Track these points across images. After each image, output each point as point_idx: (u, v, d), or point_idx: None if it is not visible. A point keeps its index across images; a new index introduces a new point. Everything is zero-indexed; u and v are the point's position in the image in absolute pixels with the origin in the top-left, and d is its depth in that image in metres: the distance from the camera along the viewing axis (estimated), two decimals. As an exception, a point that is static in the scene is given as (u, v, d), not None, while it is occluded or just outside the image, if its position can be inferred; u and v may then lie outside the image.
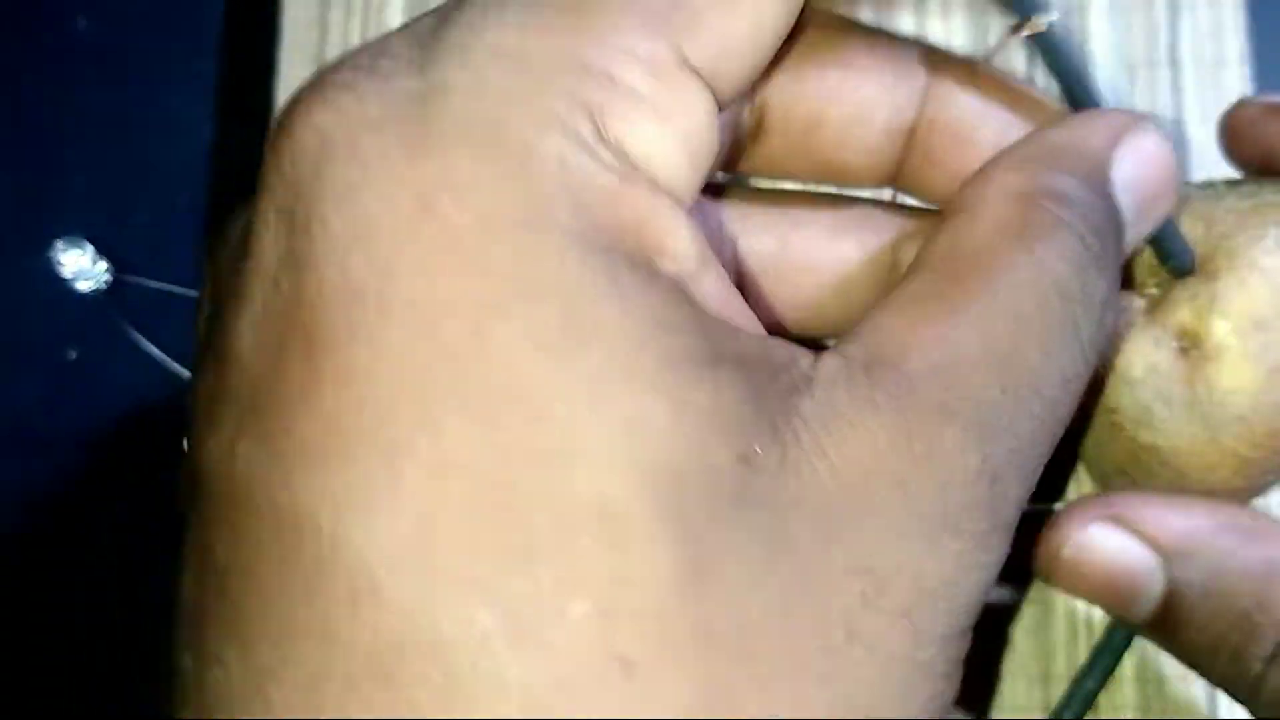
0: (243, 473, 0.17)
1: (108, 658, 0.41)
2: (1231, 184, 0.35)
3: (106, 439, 0.42)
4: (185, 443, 0.20)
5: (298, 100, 0.19)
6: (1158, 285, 0.34)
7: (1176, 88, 0.42)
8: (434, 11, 0.20)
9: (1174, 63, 0.42)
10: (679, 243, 0.19)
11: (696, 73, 0.20)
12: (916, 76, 0.27)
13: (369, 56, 0.19)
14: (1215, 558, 0.28)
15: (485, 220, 0.17)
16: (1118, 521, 0.29)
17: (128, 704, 0.41)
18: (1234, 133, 0.27)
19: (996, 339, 0.21)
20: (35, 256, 0.35)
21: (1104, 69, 0.38)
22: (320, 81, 0.19)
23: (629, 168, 0.19)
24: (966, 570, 0.19)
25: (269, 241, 0.18)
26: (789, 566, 0.17)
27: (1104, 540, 0.28)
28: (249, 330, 0.18)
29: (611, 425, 0.16)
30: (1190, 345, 0.33)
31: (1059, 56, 0.29)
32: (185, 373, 0.37)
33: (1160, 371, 0.33)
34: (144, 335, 0.36)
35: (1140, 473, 0.34)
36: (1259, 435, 0.32)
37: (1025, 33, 0.27)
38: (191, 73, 0.45)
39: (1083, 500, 0.28)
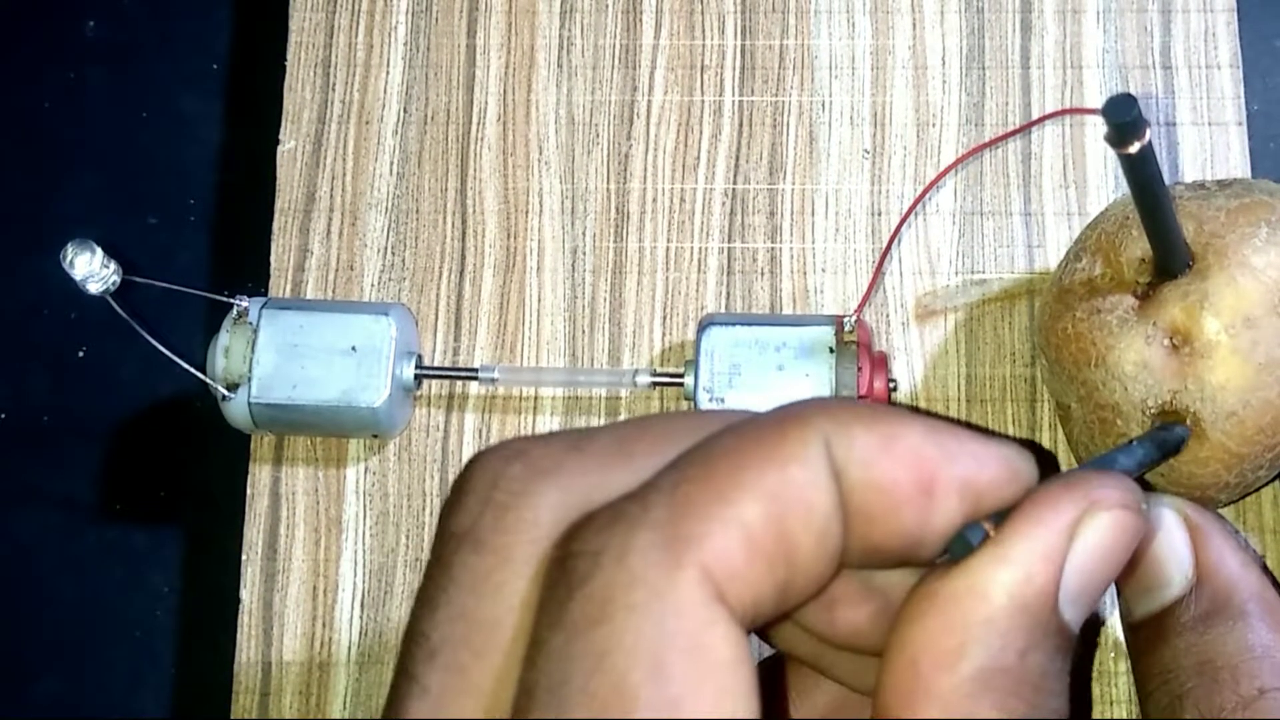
0: None
1: (113, 644, 0.42)
2: (1221, 184, 0.36)
3: (115, 435, 0.43)
4: None
5: None
6: (1148, 283, 0.34)
7: (1169, 90, 0.42)
8: None
9: (1167, 66, 0.42)
10: None
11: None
12: None
13: None
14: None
15: None
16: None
17: (141, 691, 0.41)
18: None
19: None
20: (46, 258, 0.36)
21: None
22: None
23: None
24: None
25: None
26: None
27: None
28: None
29: None
30: (1181, 342, 0.33)
31: (1142, 179, 0.30)
32: (192, 370, 0.37)
33: (1151, 368, 0.33)
34: (152, 335, 0.36)
35: (1132, 467, 0.34)
36: (1249, 431, 0.32)
37: (1119, 151, 0.29)
38: (200, 76, 0.45)
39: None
